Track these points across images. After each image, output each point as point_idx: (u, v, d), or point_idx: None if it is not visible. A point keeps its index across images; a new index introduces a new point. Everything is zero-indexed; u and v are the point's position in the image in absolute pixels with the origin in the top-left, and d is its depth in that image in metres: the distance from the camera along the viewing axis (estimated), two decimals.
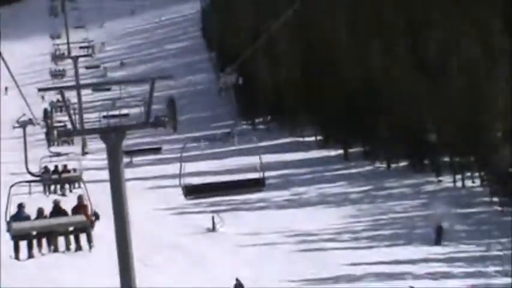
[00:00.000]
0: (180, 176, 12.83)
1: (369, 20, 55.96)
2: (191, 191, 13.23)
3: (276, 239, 36.73)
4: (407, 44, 52.72)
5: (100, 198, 36.83)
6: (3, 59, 11.07)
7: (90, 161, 48.86)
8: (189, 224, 39.16)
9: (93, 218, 19.21)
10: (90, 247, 17.86)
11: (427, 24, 52.85)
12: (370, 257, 33.79)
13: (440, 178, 46.56)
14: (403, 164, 49.83)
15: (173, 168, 47.44)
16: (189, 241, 36.41)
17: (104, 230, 36.15)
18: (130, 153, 35.97)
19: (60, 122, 29.57)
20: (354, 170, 50.14)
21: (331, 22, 57.67)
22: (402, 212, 40.96)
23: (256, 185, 13.71)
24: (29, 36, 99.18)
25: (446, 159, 47.38)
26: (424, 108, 48.08)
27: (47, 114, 20.87)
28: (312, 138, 58.50)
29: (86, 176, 29.58)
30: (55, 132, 15.86)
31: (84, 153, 52.10)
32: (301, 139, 59.35)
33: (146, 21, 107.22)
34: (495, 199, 41.80)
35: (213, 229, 38.07)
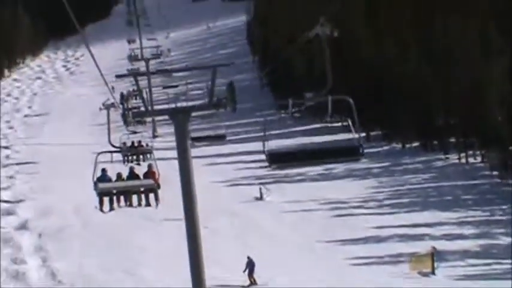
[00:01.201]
0: (263, 143, 11.19)
1: (385, 17, 54.14)
2: (275, 159, 11.02)
3: (313, 206, 35.07)
4: (417, 38, 50.68)
5: (168, 173, 35.56)
6: (96, 61, 10.48)
7: (160, 142, 47.57)
8: (240, 194, 37.64)
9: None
10: (157, 204, 17.44)
11: (433, 21, 50.85)
12: (393, 221, 32.01)
13: (447, 156, 44.35)
14: (415, 144, 47.65)
15: (227, 149, 46.01)
16: (241, 208, 34.89)
17: (171, 198, 34.93)
18: (198, 139, 34.36)
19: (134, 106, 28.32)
20: (374, 150, 47.96)
21: (353, 21, 55.65)
22: (417, 184, 38.96)
23: (353, 153, 11.21)
24: (111, 43, 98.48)
25: (453, 140, 45.13)
26: (433, 97, 45.97)
27: (123, 98, 19.41)
28: (339, 124, 56.35)
29: (155, 154, 28.61)
30: (130, 113, 14.35)
31: (154, 136, 50.78)
32: (329, 125, 57.21)
33: (200, 32, 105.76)
34: (495, 173, 39.61)
35: (261, 198, 36.48)
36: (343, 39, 56.40)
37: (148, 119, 51.51)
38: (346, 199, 36.00)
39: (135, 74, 13.91)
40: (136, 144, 35.72)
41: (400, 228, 30.89)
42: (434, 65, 47.52)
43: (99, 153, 15.11)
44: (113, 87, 26.62)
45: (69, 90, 79.52)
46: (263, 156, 34.21)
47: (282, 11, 70.71)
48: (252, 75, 75.77)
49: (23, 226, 32.50)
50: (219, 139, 35.46)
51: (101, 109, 27.58)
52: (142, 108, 15.34)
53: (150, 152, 28.08)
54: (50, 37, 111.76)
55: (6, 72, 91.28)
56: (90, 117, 63.22)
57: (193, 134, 16.34)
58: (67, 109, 69.60)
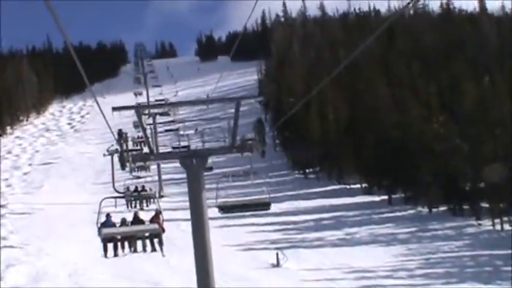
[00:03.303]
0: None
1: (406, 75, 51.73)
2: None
3: (336, 274, 31.47)
4: (442, 96, 48.26)
5: (176, 235, 31.77)
6: (102, 112, 9.99)
7: (166, 203, 44.47)
8: (255, 259, 34.17)
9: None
10: (162, 249, 18.25)
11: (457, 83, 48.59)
12: None
13: (479, 222, 40.92)
14: (443, 208, 44.28)
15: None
16: (256, 275, 31.35)
17: (178, 263, 31.28)
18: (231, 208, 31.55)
19: (135, 149, 25.95)
20: (398, 214, 44.74)
21: (373, 80, 53.15)
22: (450, 252, 35.36)
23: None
24: (118, 96, 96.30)
25: (485, 204, 41.78)
26: (461, 158, 42.99)
27: (121, 136, 15.87)
28: (358, 186, 53.24)
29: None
30: (129, 156, 11.59)
31: (160, 196, 47.61)
32: (348, 186, 54.14)
33: (209, 91, 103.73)
34: None
35: (277, 264, 32.97)
36: (361, 96, 54.36)
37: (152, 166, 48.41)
38: (373, 267, 32.45)
39: (136, 107, 11.10)
40: (140, 189, 35.64)
41: None
42: (461, 123, 44.96)
43: (103, 199, 14.58)
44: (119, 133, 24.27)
45: (73, 147, 76.83)
46: (277, 219, 30.55)
47: (295, 69, 68.69)
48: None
49: None
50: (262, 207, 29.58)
51: (104, 155, 27.84)
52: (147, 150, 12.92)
53: (154, 197, 26.92)
54: (56, 94, 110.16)
55: (8, 129, 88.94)
56: (94, 175, 60.33)
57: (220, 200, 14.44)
58: (69, 167, 66.77)
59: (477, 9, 79.80)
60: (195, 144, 39.45)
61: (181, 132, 40.08)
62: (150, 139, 12.63)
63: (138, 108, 11.46)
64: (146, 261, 31.64)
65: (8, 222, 44.46)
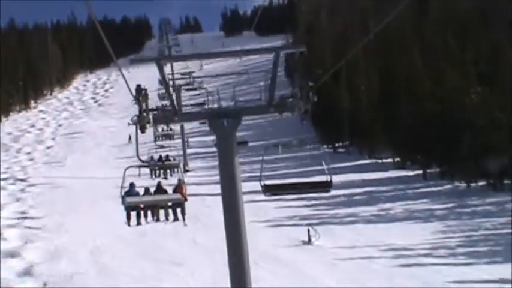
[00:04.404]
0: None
1: (443, 47, 48.92)
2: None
3: (372, 252, 29.40)
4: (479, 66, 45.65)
5: (201, 211, 29.79)
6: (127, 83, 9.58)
7: (191, 177, 42.64)
8: (285, 236, 32.23)
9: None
10: (184, 218, 17.81)
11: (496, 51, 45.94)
12: (474, 274, 26.17)
13: None
14: (482, 183, 41.85)
15: None
16: (287, 253, 29.42)
17: (203, 240, 29.42)
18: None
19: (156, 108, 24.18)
20: (434, 189, 42.38)
21: (408, 52, 50.46)
22: (493, 229, 33.00)
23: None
24: (142, 69, 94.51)
25: None
26: (500, 131, 40.51)
27: (140, 92, 12.69)
28: (390, 160, 50.93)
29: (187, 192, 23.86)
30: (150, 116, 9.31)
31: (185, 170, 45.79)
32: (379, 161, 51.84)
33: (235, 65, 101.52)
34: None
35: (309, 242, 30.98)
36: (393, 67, 51.88)
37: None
38: (411, 245, 30.31)
39: (156, 59, 9.22)
40: (164, 159, 34.59)
41: (484, 284, 25.07)
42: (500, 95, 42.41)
43: (126, 168, 13.97)
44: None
45: (96, 122, 75.33)
46: (306, 194, 28.22)
47: (324, 39, 66.24)
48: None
49: (27, 272, 27.35)
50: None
51: (129, 124, 28.23)
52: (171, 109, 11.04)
53: (178, 166, 27.78)
54: (80, 69, 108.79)
55: (32, 103, 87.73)
56: (117, 149, 58.78)
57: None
58: (93, 141, 65.25)
59: None
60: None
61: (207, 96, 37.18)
62: (174, 96, 10.60)
63: (159, 60, 9.49)
64: (170, 238, 29.88)
65: (28, 197, 43.01)
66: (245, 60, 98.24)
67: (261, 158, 13.13)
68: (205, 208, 32.85)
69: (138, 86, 13.22)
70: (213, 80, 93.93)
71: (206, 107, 31.77)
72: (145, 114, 9.84)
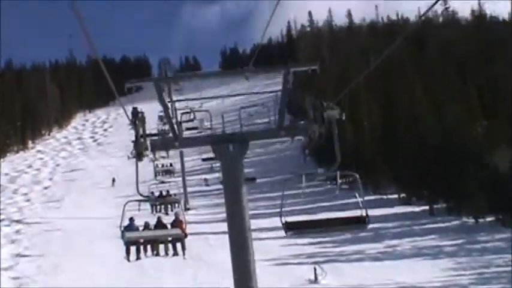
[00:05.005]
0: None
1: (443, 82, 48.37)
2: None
3: None
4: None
5: (204, 251, 28.67)
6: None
7: (192, 216, 41.61)
8: (291, 275, 31.11)
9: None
10: (184, 253, 17.70)
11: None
12: None
13: None
14: (490, 218, 40.80)
15: (269, 223, 39.53)
16: None
17: (204, 278, 28.29)
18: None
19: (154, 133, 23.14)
20: (441, 225, 41.36)
21: (409, 86, 49.94)
22: (504, 266, 31.88)
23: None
24: (143, 105, 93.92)
25: None
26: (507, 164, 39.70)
27: (136, 116, 11.33)
28: (395, 196, 49.88)
29: (187, 229, 22.98)
30: (147, 143, 8.25)
31: (186, 209, 44.76)
32: (384, 196, 50.79)
33: (235, 102, 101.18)
34: None
35: (315, 280, 29.89)
36: (396, 101, 51.28)
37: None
38: (421, 283, 29.24)
39: (156, 79, 8.39)
40: (164, 194, 34.35)
41: None
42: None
43: (127, 202, 13.83)
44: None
45: (95, 160, 74.46)
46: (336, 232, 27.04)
47: (326, 75, 65.85)
48: (294, 145, 70.13)
49: None
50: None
51: (129, 158, 27.45)
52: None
53: (178, 202, 26.16)
54: (79, 108, 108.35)
55: (30, 143, 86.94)
56: (115, 189, 57.78)
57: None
58: (91, 180, 64.29)
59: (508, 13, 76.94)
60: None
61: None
62: (173, 121, 9.98)
63: (158, 81, 8.64)
64: (171, 276, 28.76)
65: (24, 238, 41.89)
66: (247, 97, 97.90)
67: (273, 194, 11.98)
68: (209, 247, 31.82)
69: (134, 108, 12.22)
70: (215, 117, 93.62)
71: (209, 132, 30.82)
72: (142, 139, 8.93)
